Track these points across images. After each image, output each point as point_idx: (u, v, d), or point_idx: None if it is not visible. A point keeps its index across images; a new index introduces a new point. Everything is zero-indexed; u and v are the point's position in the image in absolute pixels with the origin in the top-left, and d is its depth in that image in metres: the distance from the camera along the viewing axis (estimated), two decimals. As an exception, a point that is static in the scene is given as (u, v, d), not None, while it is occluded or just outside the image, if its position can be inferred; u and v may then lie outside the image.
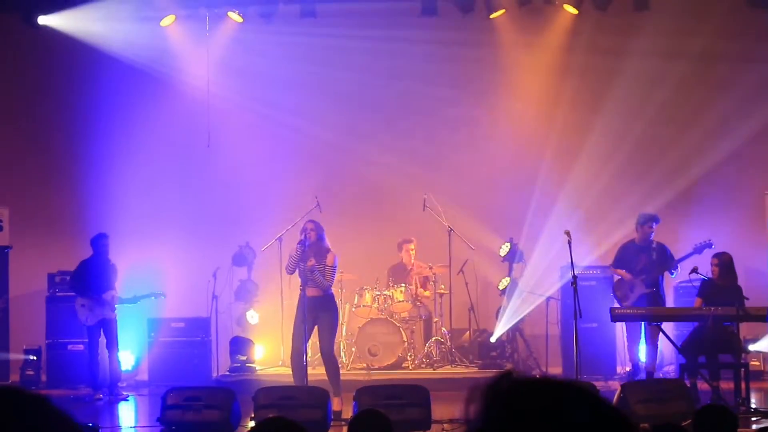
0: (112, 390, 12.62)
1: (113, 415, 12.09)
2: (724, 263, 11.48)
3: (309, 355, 11.46)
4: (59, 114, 15.01)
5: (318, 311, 10.81)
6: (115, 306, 12.80)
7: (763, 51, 14.35)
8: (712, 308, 10.91)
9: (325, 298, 10.90)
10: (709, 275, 11.49)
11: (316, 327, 10.91)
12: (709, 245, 11.93)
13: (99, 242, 12.85)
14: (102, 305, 12.73)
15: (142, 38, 14.76)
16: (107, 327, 12.75)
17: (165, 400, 9.65)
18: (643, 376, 12.07)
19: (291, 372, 11.02)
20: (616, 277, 12.67)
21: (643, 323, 12.00)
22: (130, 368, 14.04)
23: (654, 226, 12.37)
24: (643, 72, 14.60)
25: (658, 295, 12.22)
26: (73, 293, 13.00)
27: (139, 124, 14.89)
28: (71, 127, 15.01)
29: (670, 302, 13.21)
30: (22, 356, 13.86)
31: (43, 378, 13.77)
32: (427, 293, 14.24)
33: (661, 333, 11.46)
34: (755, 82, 14.29)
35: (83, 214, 14.54)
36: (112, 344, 12.74)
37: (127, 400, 12.64)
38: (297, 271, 10.90)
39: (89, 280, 12.75)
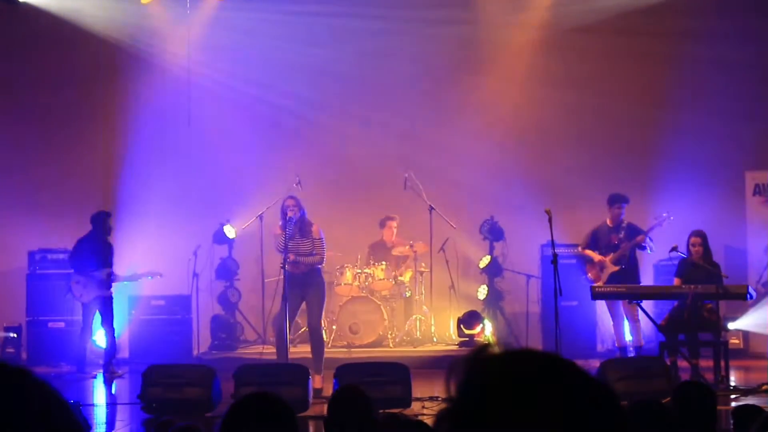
0: (106, 367, 12.50)
1: (93, 392, 12.09)
2: (706, 241, 11.50)
3: (290, 332, 11.41)
4: (37, 91, 14.88)
5: (306, 286, 10.80)
6: (111, 284, 12.64)
7: (745, 27, 14.36)
8: (692, 286, 10.96)
9: (311, 273, 10.85)
10: (688, 253, 11.51)
11: (303, 302, 10.89)
12: (668, 217, 12.00)
13: (96, 219, 12.73)
14: (96, 283, 12.58)
15: (123, 16, 14.68)
16: (102, 305, 12.59)
17: (145, 378, 9.63)
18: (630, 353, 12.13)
19: (272, 350, 11.00)
20: (588, 260, 12.64)
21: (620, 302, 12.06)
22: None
23: (623, 207, 12.34)
24: (620, 49, 14.63)
25: (629, 273, 12.21)
26: (71, 269, 12.79)
27: (120, 102, 14.79)
28: (50, 104, 14.90)
29: (649, 281, 13.26)
30: (2, 334, 13.82)
31: (24, 356, 13.74)
32: (408, 274, 14.19)
33: (640, 311, 11.51)
34: (736, 59, 14.32)
35: (63, 191, 14.46)
36: (107, 322, 12.60)
37: (123, 378, 12.46)
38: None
39: (83, 258, 12.60)
